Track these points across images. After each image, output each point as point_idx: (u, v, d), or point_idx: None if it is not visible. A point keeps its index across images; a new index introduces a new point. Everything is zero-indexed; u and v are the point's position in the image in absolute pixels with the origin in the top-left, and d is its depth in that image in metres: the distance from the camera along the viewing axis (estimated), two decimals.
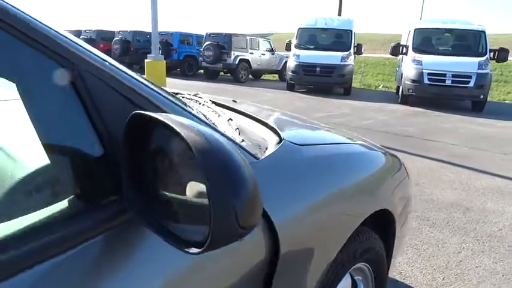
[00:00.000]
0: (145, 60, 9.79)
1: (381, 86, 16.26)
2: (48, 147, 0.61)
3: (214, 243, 0.51)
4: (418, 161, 4.77)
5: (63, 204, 0.62)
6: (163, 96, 0.74)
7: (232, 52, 14.38)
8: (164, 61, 9.90)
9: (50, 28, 0.60)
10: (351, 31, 12.60)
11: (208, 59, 14.52)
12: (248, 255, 0.78)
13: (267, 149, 0.94)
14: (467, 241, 2.68)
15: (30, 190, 0.69)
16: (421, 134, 6.50)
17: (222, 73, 15.78)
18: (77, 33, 19.27)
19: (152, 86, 0.75)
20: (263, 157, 0.87)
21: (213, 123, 0.96)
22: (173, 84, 11.39)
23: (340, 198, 1.07)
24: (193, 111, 0.82)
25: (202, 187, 0.54)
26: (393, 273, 2.23)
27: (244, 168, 0.52)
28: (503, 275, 2.27)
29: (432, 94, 9.87)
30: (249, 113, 1.21)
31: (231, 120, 1.00)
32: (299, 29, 12.92)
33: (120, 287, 0.61)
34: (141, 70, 10.55)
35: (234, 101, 1.55)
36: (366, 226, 1.29)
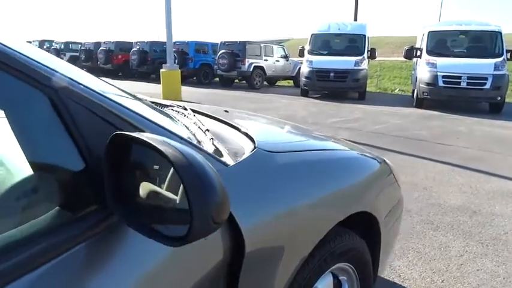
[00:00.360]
0: (161, 70, 10.03)
1: (397, 89, 16.13)
2: (34, 164, 0.71)
3: (195, 236, 0.62)
4: (428, 165, 4.75)
5: (48, 214, 0.71)
6: (140, 116, 0.83)
7: (247, 59, 14.56)
8: (179, 70, 10.12)
9: (34, 59, 0.70)
10: (364, 35, 12.59)
11: (223, 67, 14.73)
12: (214, 254, 0.86)
13: (242, 155, 1.02)
14: (471, 244, 2.69)
15: (16, 202, 0.79)
16: (434, 138, 6.45)
17: (237, 80, 15.98)
18: (96, 45, 19.86)
19: (131, 107, 0.84)
20: (232, 164, 0.95)
21: (193, 134, 1.05)
22: (189, 93, 11.61)
23: (311, 203, 1.13)
24: (170, 128, 0.90)
25: (175, 193, 0.65)
26: (392, 275, 2.27)
27: (214, 176, 0.62)
28: (504, 278, 2.27)
29: (447, 97, 9.77)
30: (231, 123, 1.29)
31: (208, 131, 1.08)
32: (312, 34, 12.99)
33: (105, 284, 0.70)
34: (157, 79, 10.78)
35: (226, 111, 1.64)
36: (347, 228, 1.36)
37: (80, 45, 21.68)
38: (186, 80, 15.58)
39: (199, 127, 1.11)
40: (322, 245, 1.19)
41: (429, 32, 10.81)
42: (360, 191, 1.40)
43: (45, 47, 23.03)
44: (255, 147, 1.07)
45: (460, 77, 9.54)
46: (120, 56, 18.62)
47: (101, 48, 19.21)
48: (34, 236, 0.67)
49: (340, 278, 1.43)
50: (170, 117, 1.12)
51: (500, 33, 10.24)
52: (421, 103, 10.29)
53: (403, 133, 6.80)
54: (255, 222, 0.94)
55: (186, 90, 11.88)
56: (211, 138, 1.03)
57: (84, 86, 0.76)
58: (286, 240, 1.04)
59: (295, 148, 1.27)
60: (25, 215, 0.74)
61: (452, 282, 2.22)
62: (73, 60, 21.02)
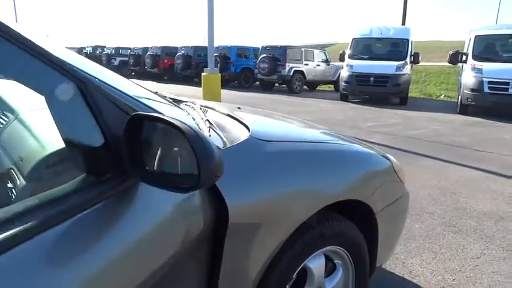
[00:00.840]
0: (202, 74, 10.39)
1: (443, 95, 15.60)
2: (66, 139, 0.90)
3: (203, 184, 0.82)
4: (461, 171, 4.66)
5: (76, 180, 0.91)
6: (145, 105, 1.01)
7: (287, 64, 14.70)
8: (219, 74, 10.42)
9: (69, 61, 0.90)
10: (408, 40, 12.35)
11: (264, 71, 14.97)
12: (202, 220, 1.02)
13: (235, 142, 1.18)
14: (490, 248, 2.67)
15: (51, 168, 0.99)
16: (473, 145, 6.26)
17: (277, 84, 16.16)
18: (144, 50, 20.80)
19: (140, 97, 1.03)
20: (223, 148, 1.11)
21: (196, 123, 1.23)
22: (229, 95, 11.93)
23: (296, 188, 1.27)
24: (174, 116, 1.08)
25: (178, 162, 0.86)
26: (403, 272, 2.33)
27: (213, 145, 0.82)
28: None
29: (492, 103, 9.38)
30: (234, 116, 1.46)
31: (208, 121, 1.26)
32: (353, 39, 12.93)
33: (121, 232, 0.88)
34: (200, 83, 11.22)
35: (238, 108, 1.80)
36: (340, 214, 1.48)
37: (129, 50, 22.78)
38: (227, 84, 15.98)
39: (201, 118, 1.28)
40: (311, 227, 1.32)
41: (476, 36, 10.44)
42: (351, 181, 1.51)
43: (97, 52, 24.44)
44: (249, 136, 1.23)
45: (507, 83, 9.14)
46: (166, 61, 19.40)
47: (148, 53, 20.12)
48: (65, 195, 0.86)
49: (335, 261, 1.55)
50: (178, 108, 1.31)
51: None
52: (465, 110, 9.95)
53: (440, 139, 6.65)
54: (240, 198, 1.09)
55: (227, 94, 12.21)
56: (209, 126, 1.20)
57: (102, 81, 0.95)
58: (270, 217, 1.18)
59: (288, 139, 1.42)
60: (58, 179, 0.94)
61: (464, 281, 2.25)
62: (123, 65, 22.17)
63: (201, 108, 1.44)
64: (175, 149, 0.86)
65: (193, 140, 0.78)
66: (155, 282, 0.93)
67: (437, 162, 5.09)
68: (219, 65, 15.25)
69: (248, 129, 1.30)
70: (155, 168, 0.88)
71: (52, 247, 0.78)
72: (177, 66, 18.25)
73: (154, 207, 0.95)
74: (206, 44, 10.66)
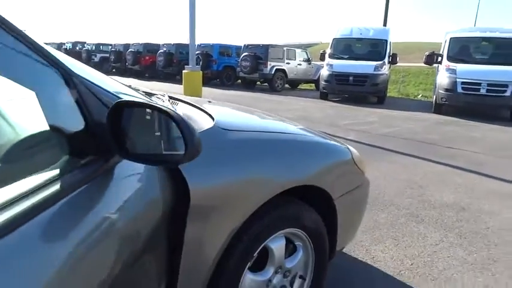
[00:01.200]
0: (183, 71, 10.43)
1: (420, 95, 16.01)
2: (52, 125, 0.98)
3: (190, 158, 0.95)
4: (430, 166, 4.88)
5: (61, 161, 1.00)
6: (112, 93, 1.11)
7: (269, 62, 14.85)
8: (200, 72, 10.47)
9: (54, 54, 0.99)
10: (386, 40, 12.65)
11: (246, 69, 15.08)
12: (168, 201, 1.14)
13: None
14: (449, 236, 2.85)
15: (35, 149, 1.07)
16: (444, 142, 6.52)
17: (258, 83, 16.30)
18: (126, 47, 20.63)
19: (117, 91, 1.13)
20: None
21: None
22: (210, 93, 11.97)
23: (255, 173, 1.39)
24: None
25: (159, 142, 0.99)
26: (366, 257, 2.48)
27: (193, 127, 0.95)
28: (471, 264, 2.44)
29: (465, 103, 9.75)
30: (201, 107, 1.57)
31: (172, 111, 1.37)
32: (334, 39, 13.17)
33: (106, 207, 0.97)
34: (182, 80, 11.25)
35: (209, 101, 1.91)
36: (299, 199, 1.61)
37: (110, 47, 22.55)
38: (209, 82, 16.02)
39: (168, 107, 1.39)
40: (270, 210, 1.44)
41: (451, 38, 10.80)
42: (309, 168, 1.63)
43: (77, 48, 24.10)
44: (213, 125, 1.34)
45: (479, 84, 9.49)
46: (147, 58, 19.29)
47: (129, 49, 19.95)
48: (50, 178, 0.91)
49: (296, 243, 1.67)
50: (150, 100, 1.41)
51: None
52: (439, 109, 10.28)
53: (413, 136, 6.89)
54: (201, 181, 1.20)
55: (208, 91, 12.27)
56: None
57: (82, 74, 1.05)
58: (229, 200, 1.29)
59: (250, 128, 1.53)
60: (42, 160, 1.01)
61: (421, 265, 2.41)
62: (103, 61, 21.90)
63: (169, 100, 1.54)
64: (157, 133, 0.99)
65: (181, 123, 0.92)
66: (128, 256, 1.02)
67: (409, 158, 5.30)
68: (201, 63, 15.30)
69: (213, 119, 1.41)
70: (140, 150, 1.00)
71: (45, 228, 0.83)
72: (158, 63, 18.17)
73: (129, 187, 1.06)
74: (188, 42, 10.70)
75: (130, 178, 1.08)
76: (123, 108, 0.98)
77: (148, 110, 0.99)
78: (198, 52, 15.11)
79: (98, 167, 1.00)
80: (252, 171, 1.39)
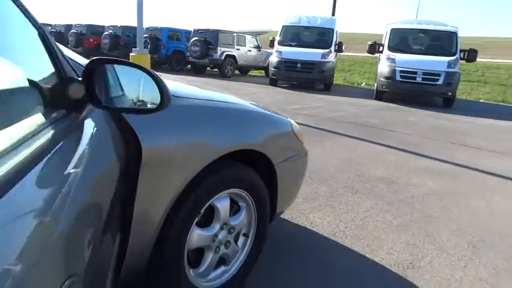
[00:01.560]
0: (130, 54, 10.20)
1: (364, 83, 16.79)
2: (28, 79, 1.04)
3: (164, 107, 1.13)
4: (368, 147, 5.27)
5: (39, 113, 1.05)
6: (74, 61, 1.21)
7: (219, 48, 14.84)
8: (148, 55, 10.29)
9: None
10: (333, 29, 13.10)
11: (195, 54, 14.97)
12: (123, 157, 1.25)
13: None
14: (379, 204, 3.18)
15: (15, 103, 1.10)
16: (383, 125, 7.00)
17: (209, 68, 16.26)
18: (67, 28, 19.61)
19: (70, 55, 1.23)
20: None
21: None
22: None
23: (201, 135, 1.55)
24: None
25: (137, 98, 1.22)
26: (305, 223, 2.72)
27: (167, 86, 1.12)
28: (395, 226, 2.77)
29: (403, 90, 10.43)
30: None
31: None
32: (283, 26, 13.42)
33: (77, 160, 1.01)
34: None
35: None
36: (241, 163, 1.78)
37: (49, 27, 21.31)
38: (158, 67, 15.74)
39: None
40: (214, 171, 1.60)
41: (391, 29, 11.44)
42: (251, 134, 1.81)
43: None
44: None
45: (415, 73, 10.20)
46: (91, 40, 18.50)
47: (72, 31, 19.01)
48: (30, 133, 0.86)
49: (240, 204, 1.85)
50: None
51: (456, 33, 10.94)
52: (380, 96, 10.91)
53: (357, 120, 7.33)
54: (151, 141, 1.33)
55: None
56: None
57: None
58: (176, 160, 1.43)
59: (196, 96, 1.68)
60: (21, 113, 0.96)
61: (353, 227, 2.70)
62: None
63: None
64: (133, 84, 1.21)
65: (156, 77, 1.10)
66: (89, 210, 1.09)
67: (351, 139, 5.67)
68: (149, 46, 14.96)
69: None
70: (114, 103, 1.19)
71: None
72: (103, 46, 17.48)
73: (95, 142, 1.11)
74: (136, 25, 10.46)
75: (96, 133, 1.14)
76: (98, 65, 1.10)
77: (125, 67, 1.17)
78: (146, 35, 14.77)
79: (70, 122, 1.06)
80: (198, 134, 1.53)
